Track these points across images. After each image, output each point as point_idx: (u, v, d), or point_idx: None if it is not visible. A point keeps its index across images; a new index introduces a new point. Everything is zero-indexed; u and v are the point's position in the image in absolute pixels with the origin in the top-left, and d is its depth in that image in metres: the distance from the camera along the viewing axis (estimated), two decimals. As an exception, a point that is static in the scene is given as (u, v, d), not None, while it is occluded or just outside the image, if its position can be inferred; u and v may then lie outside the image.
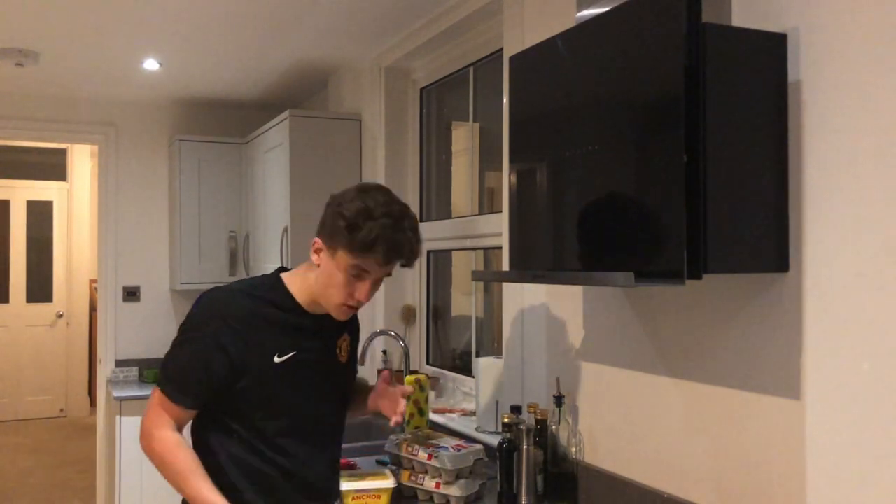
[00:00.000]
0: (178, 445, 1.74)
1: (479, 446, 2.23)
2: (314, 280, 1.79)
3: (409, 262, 1.79)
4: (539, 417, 2.21)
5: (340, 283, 1.74)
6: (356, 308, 1.81)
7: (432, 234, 3.47)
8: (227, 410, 1.77)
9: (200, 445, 1.81)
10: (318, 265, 1.78)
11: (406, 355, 3.16)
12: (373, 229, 1.69)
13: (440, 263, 3.56)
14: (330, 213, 1.76)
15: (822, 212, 1.51)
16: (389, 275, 1.81)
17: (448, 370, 3.37)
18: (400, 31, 3.30)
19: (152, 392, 1.78)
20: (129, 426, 4.18)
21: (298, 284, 1.82)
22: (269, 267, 4.01)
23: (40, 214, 7.76)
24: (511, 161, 2.06)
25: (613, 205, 1.68)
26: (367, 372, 3.60)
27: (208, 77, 4.18)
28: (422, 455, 2.17)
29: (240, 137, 4.65)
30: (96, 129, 4.73)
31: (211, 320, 1.74)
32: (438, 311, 3.58)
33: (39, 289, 7.75)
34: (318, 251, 1.79)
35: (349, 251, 1.71)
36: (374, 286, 1.79)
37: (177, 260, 4.59)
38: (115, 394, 4.25)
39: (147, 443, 1.75)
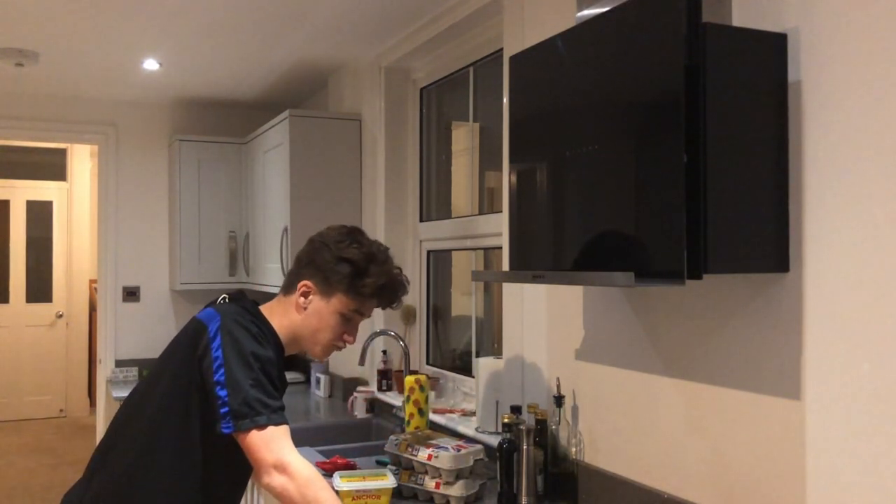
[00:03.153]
0: (321, 479, 1.57)
1: (479, 446, 2.23)
2: (299, 323, 1.75)
3: (399, 306, 1.85)
4: (539, 417, 2.21)
5: (332, 325, 1.74)
6: (342, 349, 1.81)
7: (432, 234, 3.47)
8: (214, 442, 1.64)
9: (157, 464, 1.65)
10: (305, 308, 1.75)
11: (406, 355, 3.16)
12: (381, 275, 1.72)
13: (440, 263, 3.56)
14: (326, 257, 1.72)
15: (822, 212, 1.51)
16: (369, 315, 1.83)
17: (448, 370, 3.36)
18: (400, 31, 3.30)
19: (249, 438, 1.57)
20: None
21: (277, 324, 1.77)
22: (270, 267, 4.01)
23: (40, 214, 7.76)
24: (511, 161, 2.06)
25: (613, 205, 1.68)
26: (367, 372, 3.60)
27: (208, 77, 4.19)
28: (422, 455, 2.17)
29: (240, 137, 4.65)
30: (96, 129, 4.74)
31: (261, 348, 1.64)
32: (438, 311, 3.58)
33: (39, 289, 7.74)
34: (306, 294, 1.75)
35: (353, 295, 1.71)
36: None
37: (177, 260, 4.59)
38: (115, 394, 4.25)
39: (274, 477, 1.54)
